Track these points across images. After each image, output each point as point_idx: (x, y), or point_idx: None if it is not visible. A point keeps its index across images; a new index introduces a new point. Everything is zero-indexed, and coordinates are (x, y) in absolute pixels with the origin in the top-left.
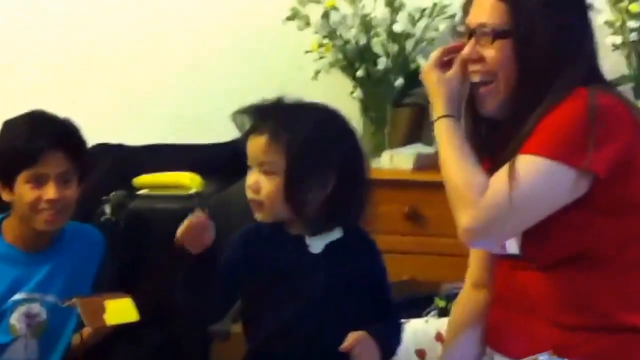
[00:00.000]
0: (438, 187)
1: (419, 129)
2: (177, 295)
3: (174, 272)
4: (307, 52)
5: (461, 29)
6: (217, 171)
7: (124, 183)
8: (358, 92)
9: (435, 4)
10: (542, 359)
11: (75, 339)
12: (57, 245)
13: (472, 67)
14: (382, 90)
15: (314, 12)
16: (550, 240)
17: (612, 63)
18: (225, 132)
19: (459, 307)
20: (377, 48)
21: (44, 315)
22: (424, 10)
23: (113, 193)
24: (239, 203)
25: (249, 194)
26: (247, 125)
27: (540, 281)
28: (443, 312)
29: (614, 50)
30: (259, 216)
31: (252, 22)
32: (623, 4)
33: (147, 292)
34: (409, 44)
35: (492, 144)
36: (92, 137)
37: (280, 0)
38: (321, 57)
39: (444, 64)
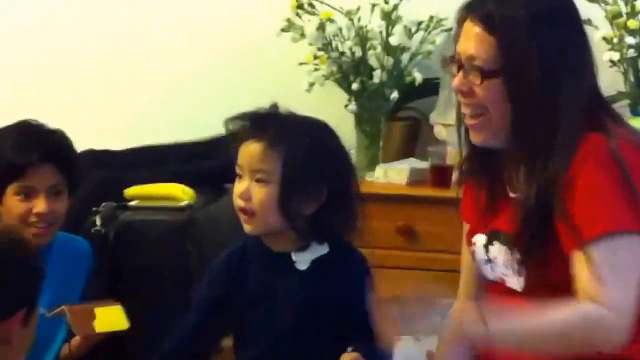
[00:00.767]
0: (432, 202)
1: (413, 143)
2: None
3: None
4: (301, 64)
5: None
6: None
7: (114, 195)
8: (352, 105)
9: (431, 17)
10: None
11: (64, 350)
12: (46, 256)
13: (462, 100)
14: (376, 103)
15: (309, 24)
16: (556, 284)
17: (609, 79)
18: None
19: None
20: (372, 61)
21: None
22: (420, 23)
23: (104, 204)
24: (229, 216)
25: (238, 203)
26: (245, 131)
27: (524, 306)
28: None
29: (611, 66)
30: (248, 227)
31: (246, 33)
32: (621, 20)
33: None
34: (405, 57)
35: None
36: (81, 143)
37: (275, 11)
38: (316, 69)
39: None
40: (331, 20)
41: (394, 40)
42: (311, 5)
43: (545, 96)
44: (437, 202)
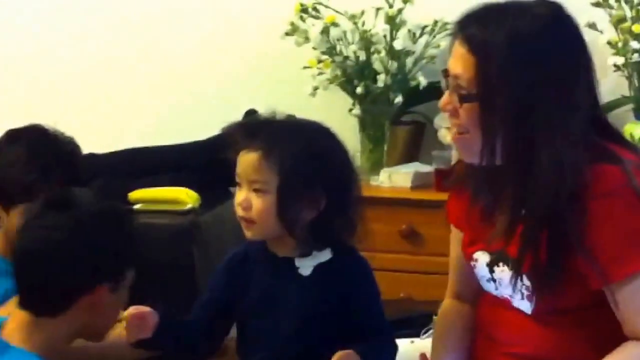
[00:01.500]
0: (436, 206)
1: (417, 147)
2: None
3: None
4: (305, 67)
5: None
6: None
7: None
8: (357, 109)
9: (436, 22)
10: None
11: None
12: None
13: (449, 118)
14: (381, 107)
15: (314, 28)
16: (568, 309)
17: (613, 84)
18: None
19: (441, 320)
20: (376, 65)
21: None
22: (424, 27)
23: None
24: (233, 220)
25: (239, 212)
26: (239, 140)
27: (530, 326)
28: None
29: (615, 71)
30: (249, 234)
31: (250, 36)
32: (626, 25)
33: None
34: (409, 61)
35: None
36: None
37: (279, 15)
38: (320, 73)
39: None
40: (335, 24)
41: (398, 44)
42: (315, 9)
43: (520, 128)
44: (441, 206)
